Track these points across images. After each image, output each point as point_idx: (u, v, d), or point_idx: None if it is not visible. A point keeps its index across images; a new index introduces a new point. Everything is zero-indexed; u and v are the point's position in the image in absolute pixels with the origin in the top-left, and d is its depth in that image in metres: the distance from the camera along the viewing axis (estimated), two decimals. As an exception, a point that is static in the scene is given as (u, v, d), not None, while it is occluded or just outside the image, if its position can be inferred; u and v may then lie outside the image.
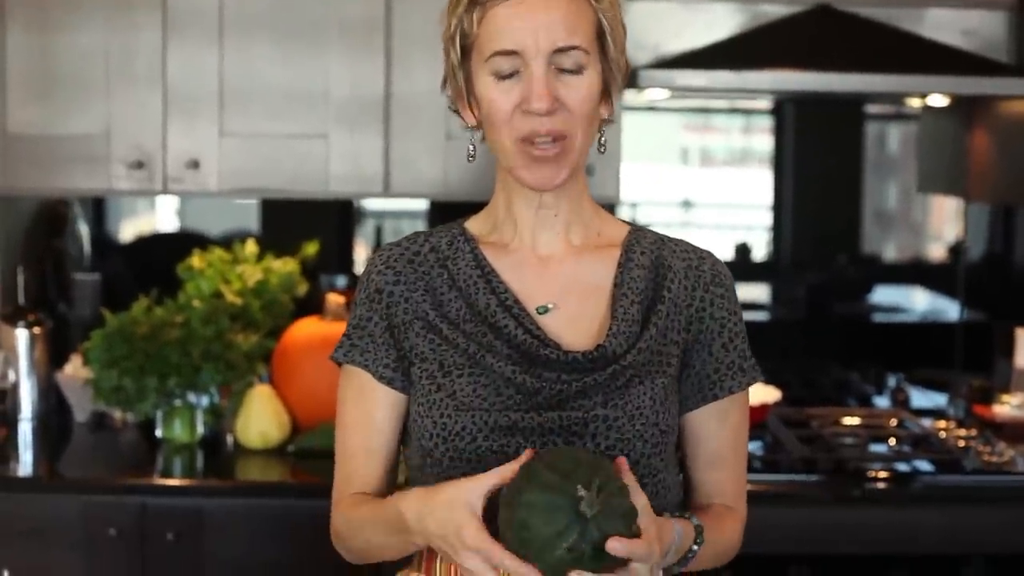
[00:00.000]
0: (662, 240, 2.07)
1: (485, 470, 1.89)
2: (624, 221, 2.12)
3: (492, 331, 1.96)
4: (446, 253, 2.03)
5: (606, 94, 1.98)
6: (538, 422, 1.91)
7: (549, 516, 1.70)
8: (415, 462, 2.02)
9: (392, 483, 2.07)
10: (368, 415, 2.03)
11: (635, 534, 1.73)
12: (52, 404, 3.69)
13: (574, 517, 1.70)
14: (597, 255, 2.04)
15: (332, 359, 2.06)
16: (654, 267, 2.02)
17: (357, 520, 1.99)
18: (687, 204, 4.38)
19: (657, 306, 2.00)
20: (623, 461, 1.81)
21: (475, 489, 1.78)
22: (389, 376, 2.01)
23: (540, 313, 1.99)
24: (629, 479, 1.78)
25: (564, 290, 2.01)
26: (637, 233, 2.07)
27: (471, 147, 2.04)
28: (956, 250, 4.30)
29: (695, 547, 1.91)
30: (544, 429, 1.91)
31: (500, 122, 1.92)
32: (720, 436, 2.05)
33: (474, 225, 2.08)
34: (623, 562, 1.72)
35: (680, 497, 2.05)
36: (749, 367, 2.05)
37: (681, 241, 2.09)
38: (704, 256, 2.07)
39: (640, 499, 1.77)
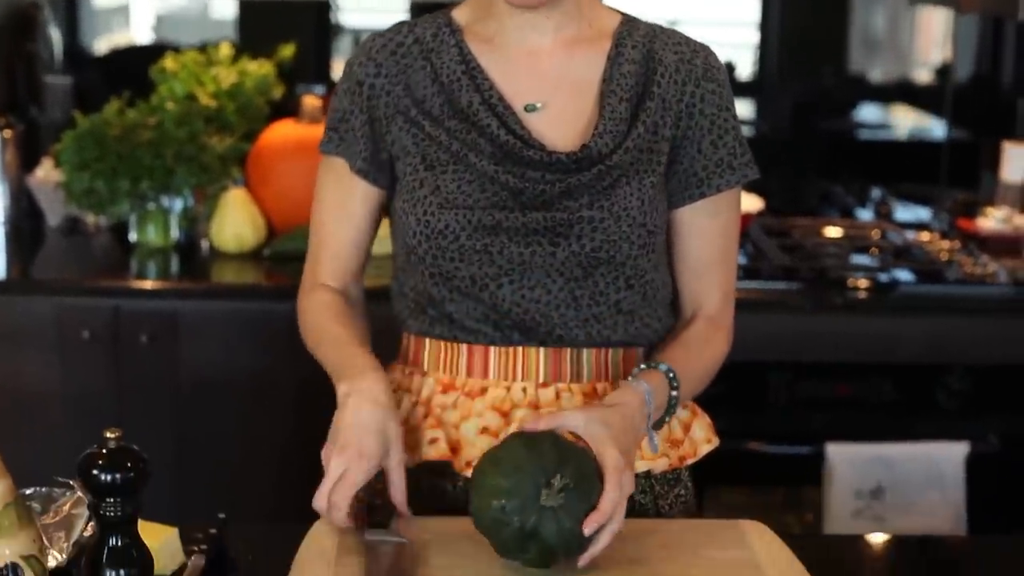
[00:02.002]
0: (654, 32, 1.98)
1: (469, 269, 1.87)
2: (615, 10, 2.04)
3: (475, 129, 1.89)
4: (430, 45, 1.96)
5: None
6: (522, 222, 1.86)
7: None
8: (400, 260, 1.98)
9: (360, 276, 2.04)
10: (344, 205, 2.00)
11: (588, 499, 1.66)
12: (24, 208, 3.63)
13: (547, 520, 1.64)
14: (586, 49, 1.95)
15: (319, 149, 2.02)
16: (644, 61, 1.95)
17: (314, 339, 1.98)
18: (673, 23, 4.30)
19: (646, 102, 1.92)
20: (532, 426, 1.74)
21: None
22: (364, 169, 1.96)
23: (528, 111, 1.92)
24: (544, 423, 1.73)
25: (552, 87, 1.94)
26: (629, 25, 1.99)
27: None
28: (943, 71, 4.24)
29: (674, 393, 1.86)
30: (528, 229, 1.86)
31: None
32: (708, 237, 1.98)
33: (461, 14, 2.00)
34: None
35: (671, 297, 2.01)
36: (740, 164, 1.97)
37: (675, 33, 2.00)
38: (697, 50, 1.98)
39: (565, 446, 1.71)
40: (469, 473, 1.84)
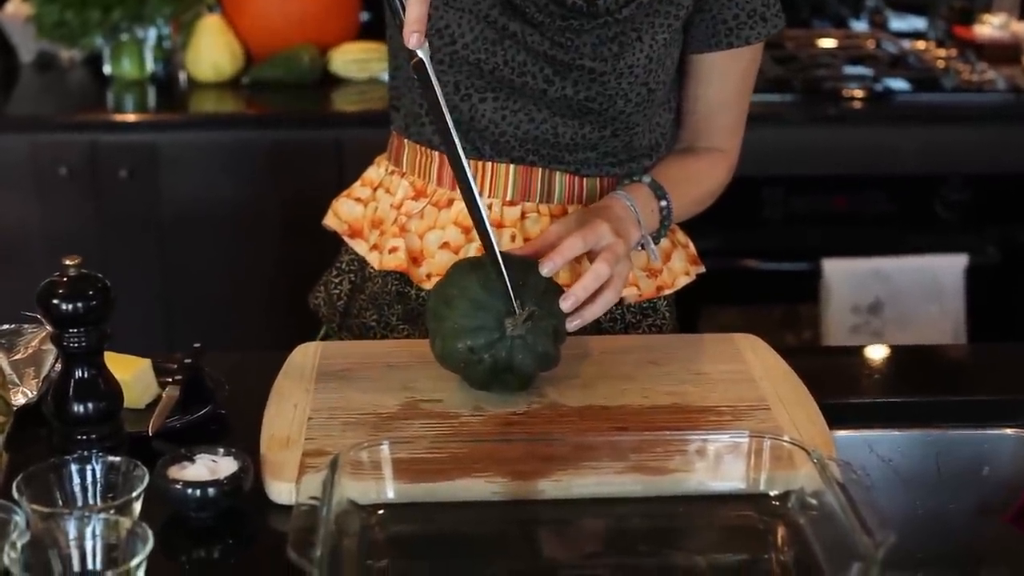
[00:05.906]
0: None
1: (455, 76, 1.78)
2: None
3: None
4: None
5: None
6: (524, 43, 1.75)
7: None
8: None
9: None
10: None
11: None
12: (-5, 45, 3.54)
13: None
14: None
15: None
16: None
17: None
18: None
19: None
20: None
21: None
22: None
23: None
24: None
25: None
26: None
27: None
28: None
29: (663, 203, 1.80)
30: (528, 54, 1.76)
31: None
32: (723, 82, 1.89)
33: None
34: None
35: (661, 137, 1.90)
36: (772, 15, 1.85)
37: None
38: None
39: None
40: (427, 286, 1.81)
